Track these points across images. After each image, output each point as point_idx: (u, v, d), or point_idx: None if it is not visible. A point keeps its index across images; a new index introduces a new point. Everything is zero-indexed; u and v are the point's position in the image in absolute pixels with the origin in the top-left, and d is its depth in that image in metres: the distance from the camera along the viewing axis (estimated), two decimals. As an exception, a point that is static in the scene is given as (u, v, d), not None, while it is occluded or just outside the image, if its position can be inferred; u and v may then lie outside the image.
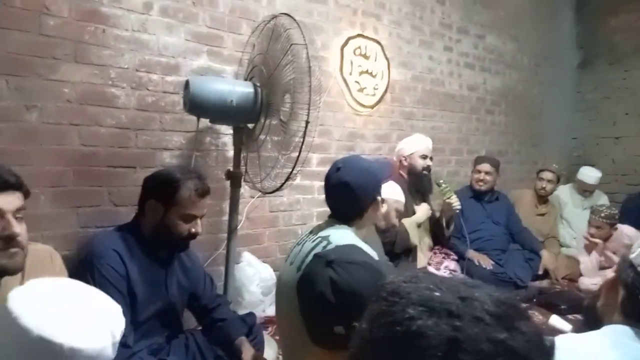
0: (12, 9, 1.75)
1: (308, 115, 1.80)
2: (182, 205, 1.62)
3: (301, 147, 1.81)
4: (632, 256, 0.86)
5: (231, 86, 1.97)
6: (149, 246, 1.65)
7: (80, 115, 1.95)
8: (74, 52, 1.91)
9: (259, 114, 1.98)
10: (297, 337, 1.32)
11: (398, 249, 2.50)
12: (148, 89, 2.14)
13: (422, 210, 2.77)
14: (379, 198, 1.57)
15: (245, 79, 2.09)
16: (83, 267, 1.53)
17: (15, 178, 1.17)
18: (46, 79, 1.85)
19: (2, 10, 1.73)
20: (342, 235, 1.45)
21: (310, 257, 1.37)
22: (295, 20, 1.87)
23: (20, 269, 1.18)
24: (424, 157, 2.83)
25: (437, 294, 0.49)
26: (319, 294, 1.05)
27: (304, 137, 1.81)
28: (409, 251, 2.65)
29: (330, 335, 1.04)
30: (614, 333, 0.82)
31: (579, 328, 0.99)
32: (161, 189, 1.65)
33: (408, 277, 0.54)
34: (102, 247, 1.56)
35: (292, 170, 1.85)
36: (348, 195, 1.49)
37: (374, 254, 1.44)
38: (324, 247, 1.39)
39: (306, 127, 1.80)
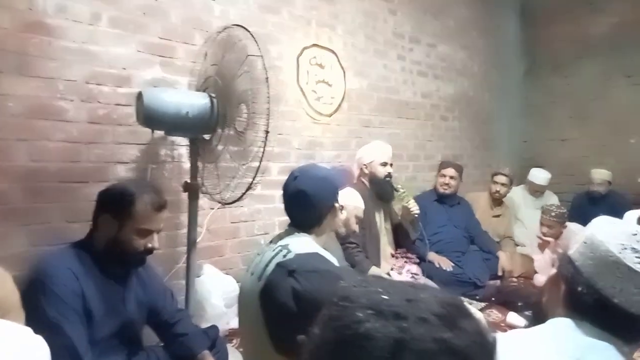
0: (-51, 20, 1.68)
1: (267, 124, 1.80)
2: (137, 220, 1.58)
3: (262, 157, 1.81)
4: (570, 252, 0.91)
5: (185, 97, 1.95)
6: (104, 262, 1.60)
7: (27, 130, 1.88)
8: (17, 64, 1.84)
9: (215, 124, 1.97)
10: (261, 347, 1.32)
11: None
12: (99, 102, 2.08)
13: None
14: (336, 205, 1.59)
15: (198, 90, 2.07)
16: (34, 287, 1.45)
17: None
18: (-12, 93, 1.78)
19: (-62, 22, 1.65)
20: (301, 244, 1.45)
21: (271, 267, 1.38)
22: (249, 31, 1.88)
23: None
24: (384, 164, 2.87)
25: (385, 297, 0.51)
26: (281, 304, 1.06)
27: (264, 147, 1.81)
28: None
29: (294, 345, 1.05)
30: (556, 325, 0.87)
31: (530, 324, 1.03)
32: (115, 204, 1.60)
33: (358, 282, 0.55)
34: (54, 265, 1.50)
35: (253, 179, 1.84)
36: (306, 203, 1.50)
37: (334, 260, 1.46)
38: (284, 255, 1.39)
39: (266, 136, 1.80)
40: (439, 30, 4.14)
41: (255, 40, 1.84)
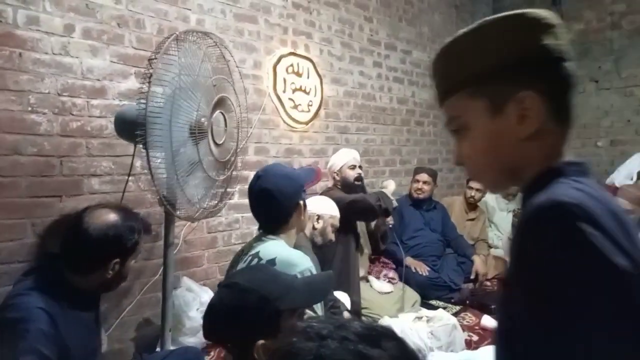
0: None
1: (238, 139, 1.78)
2: (139, 249, 1.61)
3: (232, 170, 1.80)
4: None
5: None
6: (82, 297, 1.54)
7: (-4, 145, 1.83)
8: (-14, 77, 1.79)
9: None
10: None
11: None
12: (72, 114, 2.04)
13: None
14: (301, 202, 1.60)
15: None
16: (9, 331, 1.35)
17: None
18: (-44, 107, 1.73)
19: None
20: (270, 248, 1.47)
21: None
22: (216, 39, 1.87)
23: None
24: (353, 167, 2.91)
25: (316, 324, 0.59)
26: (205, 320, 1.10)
27: (234, 160, 1.80)
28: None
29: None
30: None
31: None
32: (121, 246, 1.55)
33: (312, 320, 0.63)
34: (29, 309, 1.39)
35: (224, 193, 1.84)
36: (270, 202, 1.52)
37: (305, 259, 1.46)
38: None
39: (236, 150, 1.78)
40: (414, 37, 4.20)
41: (226, 49, 1.85)
